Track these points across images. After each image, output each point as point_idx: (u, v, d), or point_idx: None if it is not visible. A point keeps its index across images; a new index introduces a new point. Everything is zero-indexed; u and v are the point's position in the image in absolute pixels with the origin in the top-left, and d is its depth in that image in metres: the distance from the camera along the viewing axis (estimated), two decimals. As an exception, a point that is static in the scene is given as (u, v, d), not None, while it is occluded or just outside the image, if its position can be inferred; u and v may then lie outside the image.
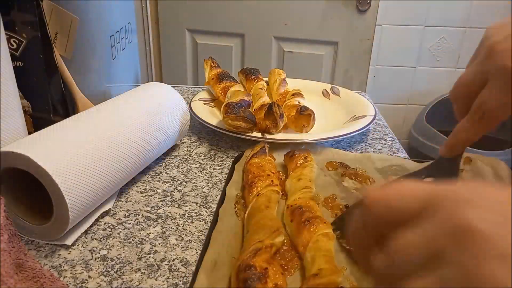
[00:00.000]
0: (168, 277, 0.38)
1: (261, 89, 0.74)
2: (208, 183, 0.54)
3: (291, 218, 0.41)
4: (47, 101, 0.55)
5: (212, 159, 0.61)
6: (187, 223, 0.46)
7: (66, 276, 0.38)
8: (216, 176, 0.56)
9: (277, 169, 0.52)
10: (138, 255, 0.41)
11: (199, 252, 0.41)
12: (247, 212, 0.43)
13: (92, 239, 0.43)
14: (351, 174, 0.53)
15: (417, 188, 0.20)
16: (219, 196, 0.49)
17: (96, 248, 0.42)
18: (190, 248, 0.42)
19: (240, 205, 0.46)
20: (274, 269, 0.34)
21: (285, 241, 0.39)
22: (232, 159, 0.57)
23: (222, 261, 0.36)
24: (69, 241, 0.41)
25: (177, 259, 0.40)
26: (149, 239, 0.43)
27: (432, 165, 0.43)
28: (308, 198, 0.44)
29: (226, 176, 0.53)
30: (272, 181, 0.47)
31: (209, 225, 0.45)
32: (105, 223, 0.45)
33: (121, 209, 0.48)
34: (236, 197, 0.47)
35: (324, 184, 0.51)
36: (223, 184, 0.51)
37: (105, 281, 0.37)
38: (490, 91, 0.34)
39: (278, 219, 0.41)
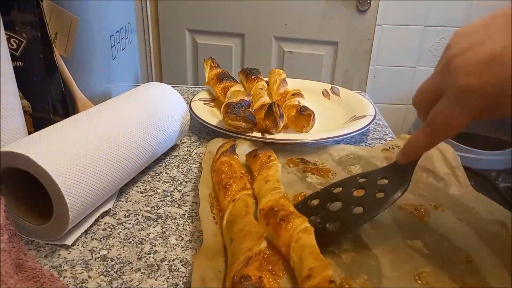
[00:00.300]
0: (168, 277, 0.38)
1: (261, 89, 0.74)
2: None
3: (266, 222, 0.41)
4: (47, 101, 0.55)
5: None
6: (187, 223, 0.46)
7: (66, 276, 0.38)
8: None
9: (244, 169, 0.51)
10: (138, 255, 0.41)
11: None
12: (225, 219, 0.41)
13: (92, 239, 0.43)
14: (312, 169, 0.55)
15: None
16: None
17: (96, 248, 0.42)
18: (190, 248, 0.42)
19: (216, 209, 0.44)
20: (267, 276, 0.34)
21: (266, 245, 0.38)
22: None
23: (209, 276, 0.35)
24: (69, 241, 0.41)
25: (177, 259, 0.40)
26: (149, 239, 0.43)
27: (389, 166, 0.44)
28: (278, 198, 0.43)
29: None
30: (245, 183, 0.46)
31: (209, 225, 0.45)
32: (105, 223, 0.45)
33: (121, 209, 0.48)
34: (209, 198, 0.46)
35: (289, 181, 0.52)
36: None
37: (105, 281, 0.37)
38: (442, 106, 0.33)
39: (259, 225, 0.39)
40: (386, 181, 0.42)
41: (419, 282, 0.37)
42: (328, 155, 0.59)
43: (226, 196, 0.44)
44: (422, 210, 0.47)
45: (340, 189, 0.44)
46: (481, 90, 0.29)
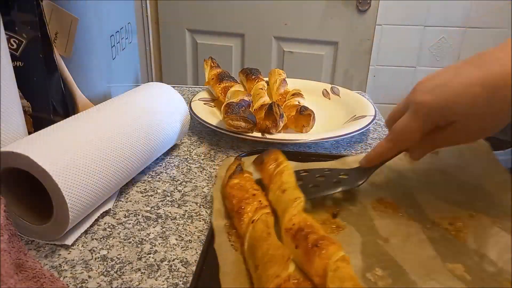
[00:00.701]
0: (168, 277, 0.38)
1: (261, 89, 0.74)
2: (208, 183, 0.54)
3: (296, 244, 0.37)
4: (47, 101, 0.55)
5: (212, 159, 0.61)
6: (187, 223, 0.46)
7: (66, 276, 0.38)
8: (216, 176, 0.56)
9: (257, 185, 0.47)
10: (138, 255, 0.41)
11: (199, 252, 0.41)
12: (246, 244, 0.38)
13: (92, 239, 0.43)
14: None
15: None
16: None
17: (96, 248, 0.42)
18: (190, 248, 0.42)
19: (234, 236, 0.41)
20: None
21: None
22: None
23: None
24: (69, 241, 0.41)
25: (177, 259, 0.40)
26: (149, 239, 0.43)
27: (353, 168, 0.49)
28: (302, 213, 0.40)
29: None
30: (260, 201, 0.42)
31: (209, 225, 0.45)
32: (105, 223, 0.45)
33: (121, 209, 0.48)
34: (225, 228, 0.43)
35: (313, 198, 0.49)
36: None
37: (105, 281, 0.37)
38: (403, 118, 0.42)
39: (284, 247, 0.37)
40: (346, 177, 0.48)
41: None
42: (347, 166, 0.53)
43: (241, 222, 0.41)
44: (458, 224, 0.43)
45: (306, 174, 0.51)
46: (430, 105, 0.40)
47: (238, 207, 0.42)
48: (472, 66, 0.39)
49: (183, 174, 0.56)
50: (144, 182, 0.54)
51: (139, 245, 0.42)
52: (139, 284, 0.37)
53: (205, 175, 0.56)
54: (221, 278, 0.36)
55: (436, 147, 0.45)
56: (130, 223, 0.45)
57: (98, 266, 0.39)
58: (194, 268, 0.39)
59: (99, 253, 0.41)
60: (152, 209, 0.48)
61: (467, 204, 0.46)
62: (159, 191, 0.52)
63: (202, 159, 0.60)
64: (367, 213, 0.45)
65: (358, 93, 0.83)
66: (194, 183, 0.54)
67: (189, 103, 0.72)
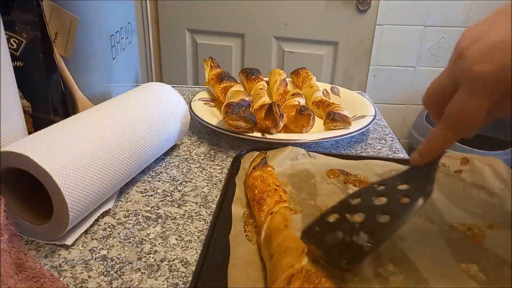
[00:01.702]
0: (168, 277, 0.38)
1: (261, 89, 0.74)
2: (208, 183, 0.54)
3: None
4: (47, 101, 0.55)
5: (212, 159, 0.61)
6: (187, 223, 0.46)
7: (66, 276, 0.38)
8: (216, 176, 0.56)
9: (278, 181, 0.49)
10: (138, 255, 0.41)
11: (199, 252, 0.41)
12: (263, 234, 0.39)
13: (92, 239, 0.43)
14: (354, 181, 0.52)
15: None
16: (219, 196, 0.49)
17: (96, 248, 0.42)
18: (190, 248, 0.42)
19: (251, 226, 0.43)
20: None
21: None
22: (232, 159, 0.57)
23: None
24: (69, 241, 0.41)
25: (177, 259, 0.40)
26: (149, 239, 0.43)
27: (407, 171, 0.41)
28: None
29: (225, 176, 0.53)
30: (280, 196, 0.44)
31: (209, 225, 0.45)
32: (105, 223, 0.45)
33: (121, 209, 0.48)
34: (243, 217, 0.44)
35: (329, 192, 0.49)
36: (223, 184, 0.51)
37: (105, 281, 0.37)
38: (459, 98, 0.33)
39: (299, 239, 0.37)
40: (406, 186, 0.39)
41: None
42: (370, 169, 0.55)
43: (260, 212, 0.42)
44: (476, 231, 0.42)
45: (359, 199, 0.40)
46: (496, 73, 0.30)
47: (259, 198, 0.44)
48: None
49: (183, 174, 0.56)
50: (144, 182, 0.54)
51: (139, 245, 0.42)
52: (139, 284, 0.37)
53: (205, 175, 0.56)
54: (229, 269, 0.36)
55: (495, 118, 0.37)
56: (130, 223, 0.45)
57: (98, 266, 0.39)
58: (194, 268, 0.39)
59: (99, 253, 0.41)
60: (152, 209, 0.48)
61: (487, 217, 0.45)
62: (159, 191, 0.52)
63: (202, 159, 0.60)
64: None
65: (358, 93, 0.83)
66: (194, 183, 0.54)
67: (189, 103, 0.72)
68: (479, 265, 0.37)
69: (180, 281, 0.38)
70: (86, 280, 0.37)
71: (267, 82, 0.81)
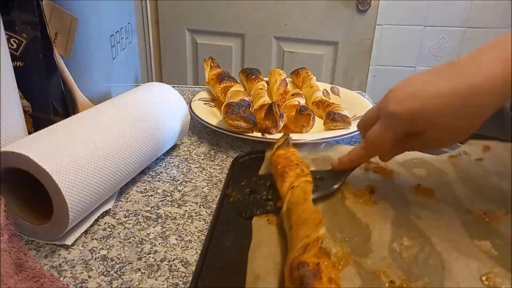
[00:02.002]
0: (168, 277, 0.38)
1: (261, 89, 0.74)
2: (208, 183, 0.54)
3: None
4: (47, 101, 0.55)
5: (212, 159, 0.61)
6: (187, 223, 0.46)
7: (66, 276, 0.38)
8: (216, 176, 0.56)
9: (301, 159, 0.51)
10: (138, 255, 0.41)
11: (199, 252, 0.41)
12: (284, 207, 0.42)
13: (92, 239, 0.43)
14: (375, 168, 0.53)
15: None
16: (219, 196, 0.49)
17: (96, 248, 0.42)
18: (190, 248, 0.42)
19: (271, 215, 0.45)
20: (325, 262, 0.33)
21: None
22: (232, 159, 0.57)
23: (266, 270, 0.36)
24: (69, 241, 0.41)
25: (177, 259, 0.40)
26: (149, 239, 0.43)
27: (328, 171, 0.50)
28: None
29: (226, 176, 0.53)
30: (303, 169, 0.46)
31: (209, 225, 0.45)
32: (105, 223, 0.45)
33: (121, 209, 0.48)
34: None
35: (350, 178, 0.50)
36: (223, 184, 0.51)
37: (105, 281, 0.37)
38: (376, 127, 0.43)
39: (318, 211, 0.39)
40: (320, 180, 0.48)
41: (486, 283, 0.34)
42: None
43: (283, 183, 0.45)
44: (492, 216, 0.44)
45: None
46: (400, 115, 0.39)
47: (282, 171, 0.46)
48: (441, 76, 0.39)
49: (183, 174, 0.56)
50: (144, 182, 0.54)
51: (139, 245, 0.42)
52: (139, 284, 0.37)
53: (205, 175, 0.56)
54: (249, 254, 0.38)
55: (406, 150, 0.47)
56: (130, 223, 0.45)
57: (98, 266, 0.39)
58: (194, 268, 0.39)
59: (99, 253, 0.41)
60: (152, 209, 0.48)
61: (505, 204, 0.46)
62: (159, 191, 0.52)
63: (202, 159, 0.60)
64: (404, 194, 0.48)
65: (358, 93, 0.83)
66: (194, 183, 0.54)
67: (189, 103, 0.72)
68: (492, 243, 0.39)
69: (180, 281, 0.38)
70: (86, 280, 0.37)
71: (267, 82, 0.81)
